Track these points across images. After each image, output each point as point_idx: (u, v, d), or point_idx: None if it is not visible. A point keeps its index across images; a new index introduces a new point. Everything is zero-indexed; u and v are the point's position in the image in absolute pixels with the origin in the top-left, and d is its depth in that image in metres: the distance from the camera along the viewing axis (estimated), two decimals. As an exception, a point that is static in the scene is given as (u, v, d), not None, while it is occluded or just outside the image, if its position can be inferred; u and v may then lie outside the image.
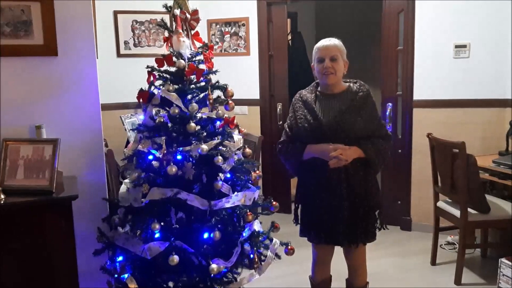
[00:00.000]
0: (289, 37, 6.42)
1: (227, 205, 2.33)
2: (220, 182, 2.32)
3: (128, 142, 4.06)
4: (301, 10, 7.06)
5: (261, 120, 5.10)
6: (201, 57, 2.45)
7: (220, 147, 2.39)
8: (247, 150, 2.55)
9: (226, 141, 2.40)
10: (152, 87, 2.41)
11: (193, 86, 2.44)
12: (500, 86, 4.12)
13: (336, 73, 2.54)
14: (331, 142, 2.47)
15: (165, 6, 2.47)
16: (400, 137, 4.51)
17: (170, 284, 2.39)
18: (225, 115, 2.43)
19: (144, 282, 2.31)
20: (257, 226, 2.55)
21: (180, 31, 2.40)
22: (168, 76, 2.43)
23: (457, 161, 3.38)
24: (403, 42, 4.43)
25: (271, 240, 2.56)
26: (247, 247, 2.44)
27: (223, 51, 5.07)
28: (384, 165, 2.64)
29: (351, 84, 2.64)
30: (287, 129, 2.66)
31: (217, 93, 2.47)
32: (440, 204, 3.78)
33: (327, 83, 2.56)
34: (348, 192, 2.51)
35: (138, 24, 4.84)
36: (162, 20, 2.48)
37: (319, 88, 2.66)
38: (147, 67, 2.43)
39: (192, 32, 2.51)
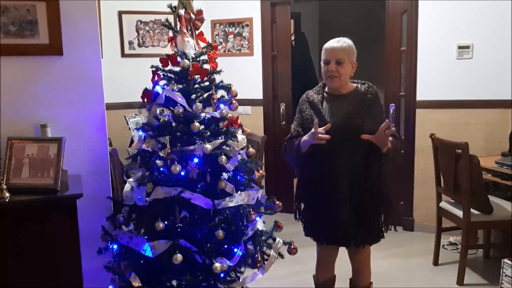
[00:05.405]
0: (293, 38, 6.42)
1: (231, 204, 2.33)
2: (225, 181, 2.33)
3: (132, 141, 4.07)
4: (304, 10, 7.06)
5: (264, 120, 5.11)
6: (205, 57, 2.46)
7: (224, 147, 2.40)
8: (251, 149, 2.56)
9: (229, 141, 2.41)
10: (157, 87, 2.42)
11: (197, 86, 2.44)
12: (503, 87, 4.12)
13: (341, 77, 2.51)
14: (338, 143, 2.45)
15: (170, 6, 2.48)
16: (403, 138, 4.51)
17: (174, 282, 2.39)
18: (229, 115, 2.44)
19: (148, 281, 2.32)
20: (260, 226, 2.55)
21: (185, 31, 2.41)
22: (172, 75, 2.43)
23: (460, 161, 3.38)
24: (406, 42, 4.44)
25: (274, 239, 2.56)
26: (250, 246, 2.45)
27: (226, 51, 5.08)
28: (394, 161, 2.60)
29: (359, 85, 2.61)
30: (292, 130, 2.66)
31: (221, 93, 2.48)
32: (443, 204, 3.78)
33: (331, 86, 2.56)
34: (351, 192, 2.51)
35: (142, 24, 4.86)
36: (166, 20, 2.50)
37: (326, 89, 2.64)
38: (152, 66, 2.44)
39: (197, 32, 2.52)
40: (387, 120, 2.40)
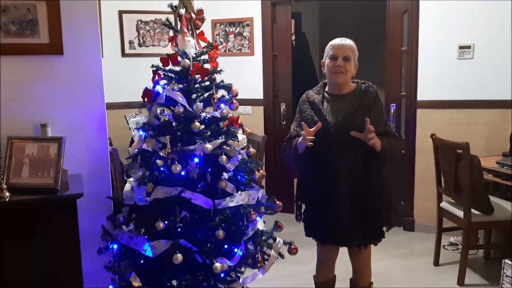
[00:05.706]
0: (293, 37, 6.42)
1: (231, 204, 2.33)
2: (225, 181, 2.32)
3: (132, 141, 4.07)
4: (305, 10, 7.06)
5: (265, 120, 5.11)
6: (205, 56, 2.46)
7: (224, 147, 2.39)
8: (252, 149, 2.56)
9: (230, 141, 2.40)
10: (157, 86, 2.42)
11: (197, 85, 2.44)
12: (504, 87, 4.11)
13: (346, 73, 2.53)
14: (338, 143, 2.47)
15: (170, 5, 2.48)
16: (404, 138, 4.50)
17: (174, 282, 2.39)
18: (230, 115, 2.44)
19: (148, 281, 2.32)
20: (260, 225, 2.55)
21: (185, 30, 2.41)
22: (173, 75, 2.43)
23: (461, 162, 3.38)
24: (407, 42, 4.43)
25: (275, 239, 2.56)
26: (250, 246, 2.45)
27: (227, 51, 5.07)
28: (392, 161, 2.60)
29: (359, 84, 2.62)
30: (292, 130, 2.66)
31: (221, 92, 2.48)
32: (444, 204, 3.78)
33: (336, 82, 2.55)
34: (352, 191, 2.51)
35: (143, 24, 4.86)
36: (167, 19, 2.49)
37: (326, 89, 2.65)
38: (152, 66, 2.44)
39: (197, 31, 2.52)
40: (367, 119, 2.39)
